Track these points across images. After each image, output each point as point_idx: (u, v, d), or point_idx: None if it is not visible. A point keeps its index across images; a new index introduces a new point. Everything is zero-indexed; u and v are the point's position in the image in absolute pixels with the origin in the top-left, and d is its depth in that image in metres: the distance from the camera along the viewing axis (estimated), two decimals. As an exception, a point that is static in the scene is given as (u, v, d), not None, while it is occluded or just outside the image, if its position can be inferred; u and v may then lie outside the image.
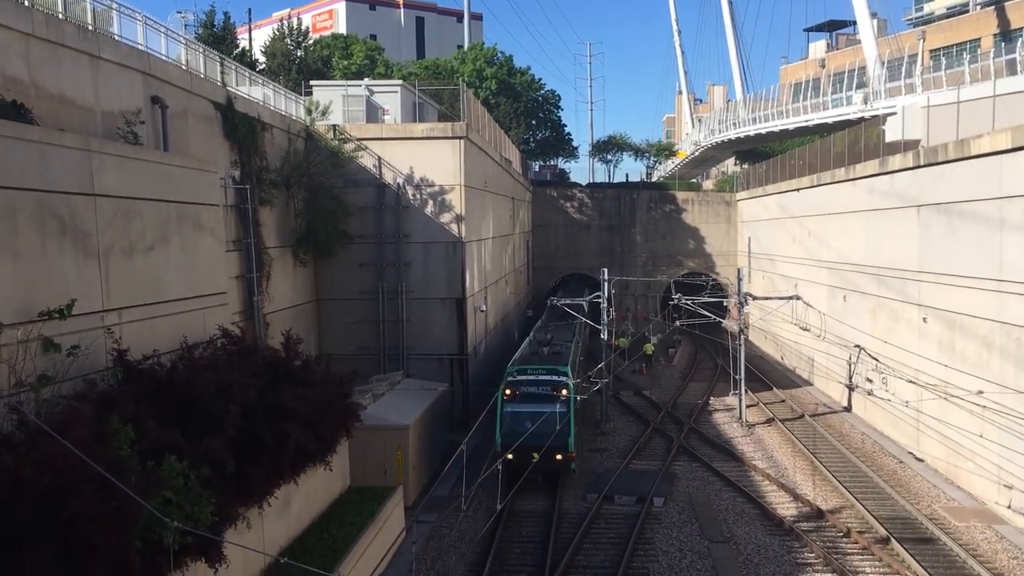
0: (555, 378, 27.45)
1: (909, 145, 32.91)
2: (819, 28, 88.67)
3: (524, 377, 27.63)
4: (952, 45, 63.90)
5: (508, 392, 27.21)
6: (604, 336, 36.63)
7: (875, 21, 55.75)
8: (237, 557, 14.68)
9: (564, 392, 26.99)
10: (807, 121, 51.43)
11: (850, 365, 36.13)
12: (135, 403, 13.78)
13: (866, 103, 43.91)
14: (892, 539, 22.54)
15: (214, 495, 13.63)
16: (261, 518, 17.64)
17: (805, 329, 40.99)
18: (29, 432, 11.57)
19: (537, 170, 77.57)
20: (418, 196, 32.67)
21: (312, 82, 37.98)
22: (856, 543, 22.79)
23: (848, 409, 37.33)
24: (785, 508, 25.62)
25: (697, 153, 75.23)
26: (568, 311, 39.69)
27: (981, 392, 25.14)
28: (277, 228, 28.58)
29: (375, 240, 32.73)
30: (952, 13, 70.44)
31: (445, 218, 32.74)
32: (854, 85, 47.09)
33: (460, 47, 75.72)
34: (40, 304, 13.65)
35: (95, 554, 10.57)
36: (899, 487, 27.10)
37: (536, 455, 24.01)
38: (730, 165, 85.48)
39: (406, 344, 33.03)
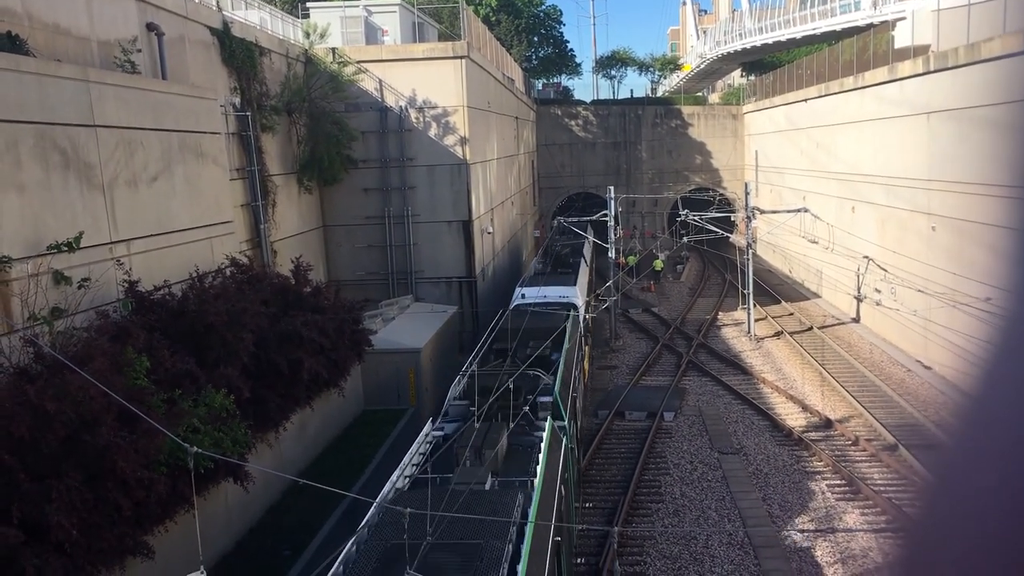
0: None
1: (919, 51, 32.24)
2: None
3: None
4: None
5: None
6: (612, 255, 36.64)
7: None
8: (258, 478, 15.05)
9: None
10: (814, 29, 50.27)
11: (859, 276, 36.09)
12: (148, 333, 13.94)
13: (875, 8, 42.85)
14: (900, 446, 22.87)
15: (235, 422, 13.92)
16: (279, 441, 18.01)
17: (813, 242, 40.79)
18: (46, 364, 11.73)
19: (540, 88, 76.33)
20: (421, 119, 32.28)
21: (309, 4, 37.20)
22: (864, 451, 23.13)
23: (856, 320, 37.44)
24: (794, 419, 25.94)
25: (702, 66, 73.82)
26: (552, 310, 24.72)
27: (990, 299, 25.13)
28: (280, 155, 28.37)
29: (379, 164, 32.46)
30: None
31: (449, 140, 32.41)
32: (863, -10, 45.90)
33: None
34: (48, 237, 13.69)
35: (121, 481, 10.83)
36: (907, 395, 27.37)
37: None
38: (736, 77, 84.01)
39: (414, 268, 33.04)
